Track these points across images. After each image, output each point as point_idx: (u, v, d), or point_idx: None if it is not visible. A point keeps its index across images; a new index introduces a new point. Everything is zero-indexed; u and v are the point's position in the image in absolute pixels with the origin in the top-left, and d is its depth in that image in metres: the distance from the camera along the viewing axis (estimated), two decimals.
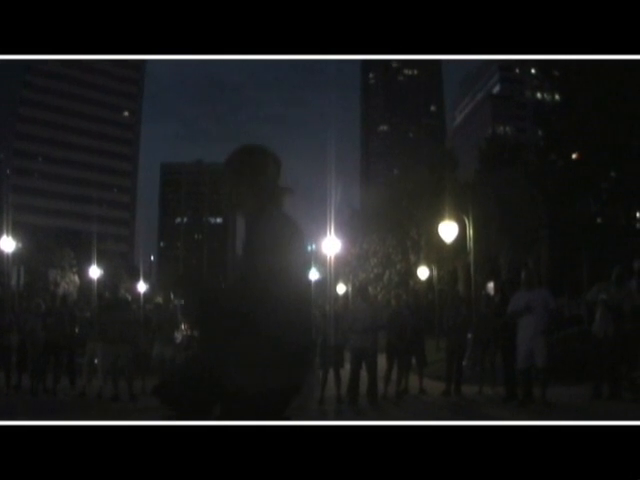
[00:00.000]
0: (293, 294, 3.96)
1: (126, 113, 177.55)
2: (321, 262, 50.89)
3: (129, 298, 30.69)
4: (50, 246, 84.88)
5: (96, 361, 17.87)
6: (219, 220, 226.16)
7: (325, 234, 43.91)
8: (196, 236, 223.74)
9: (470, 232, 35.83)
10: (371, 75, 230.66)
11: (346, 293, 66.04)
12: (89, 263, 74.11)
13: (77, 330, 19.12)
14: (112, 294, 19.57)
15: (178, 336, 18.65)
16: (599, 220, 49.96)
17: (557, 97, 52.79)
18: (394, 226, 68.08)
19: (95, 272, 70.19)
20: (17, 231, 55.25)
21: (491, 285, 40.07)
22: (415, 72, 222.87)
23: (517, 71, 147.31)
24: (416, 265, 60.94)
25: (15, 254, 55.28)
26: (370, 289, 22.96)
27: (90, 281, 69.83)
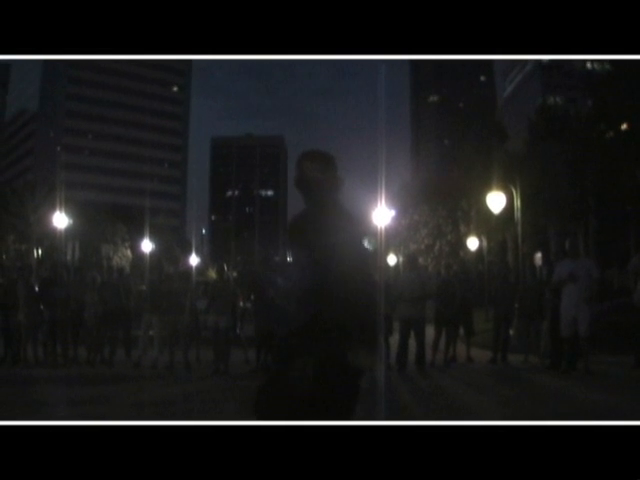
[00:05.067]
0: (359, 275, 4.37)
1: (175, 88, 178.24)
2: (372, 233, 51.01)
3: (188, 270, 31.01)
4: (102, 222, 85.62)
5: (151, 332, 18.22)
6: (270, 193, 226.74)
7: (376, 205, 44.14)
8: (247, 209, 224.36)
9: (518, 203, 35.82)
10: None
11: (397, 264, 66.26)
12: (141, 238, 75.16)
13: (133, 302, 19.48)
14: (171, 266, 19.78)
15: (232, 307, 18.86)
16: None
17: (607, 67, 52.01)
18: (445, 197, 67.96)
19: (147, 246, 71.16)
20: (70, 208, 56.31)
21: (539, 256, 40.06)
22: None
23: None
24: (466, 236, 60.82)
25: (68, 230, 56.36)
26: (421, 260, 23.05)
27: (142, 255, 70.67)
